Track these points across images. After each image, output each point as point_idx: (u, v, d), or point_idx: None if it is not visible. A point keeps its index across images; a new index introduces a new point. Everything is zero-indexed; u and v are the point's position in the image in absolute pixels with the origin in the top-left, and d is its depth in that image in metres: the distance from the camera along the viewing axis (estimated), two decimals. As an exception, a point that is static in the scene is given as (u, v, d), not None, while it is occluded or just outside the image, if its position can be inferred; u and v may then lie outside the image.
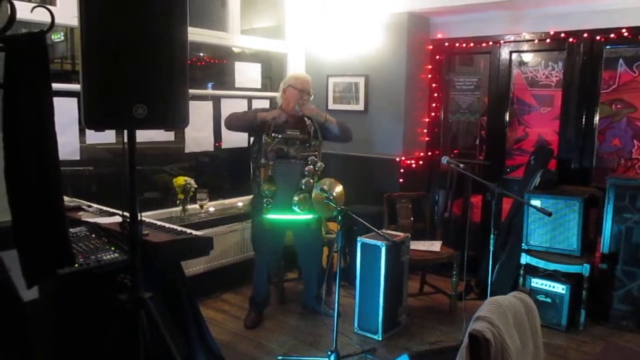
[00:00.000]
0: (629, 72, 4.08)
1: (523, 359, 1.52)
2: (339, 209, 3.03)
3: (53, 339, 2.14)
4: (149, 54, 1.99)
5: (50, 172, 1.75)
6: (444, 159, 3.41)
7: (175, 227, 2.76)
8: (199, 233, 2.70)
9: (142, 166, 4.21)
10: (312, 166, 3.55)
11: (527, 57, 4.52)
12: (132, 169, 2.22)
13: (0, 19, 1.75)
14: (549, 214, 3.05)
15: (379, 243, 3.45)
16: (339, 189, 3.55)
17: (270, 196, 3.52)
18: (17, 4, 1.69)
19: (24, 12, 2.06)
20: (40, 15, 1.92)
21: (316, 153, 3.61)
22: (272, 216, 3.56)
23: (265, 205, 3.52)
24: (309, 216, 3.60)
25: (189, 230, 2.71)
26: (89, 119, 1.92)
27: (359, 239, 3.57)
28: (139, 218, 2.23)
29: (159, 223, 2.85)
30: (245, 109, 4.67)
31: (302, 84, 3.65)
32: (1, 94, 1.62)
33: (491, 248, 2.98)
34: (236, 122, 3.67)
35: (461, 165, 3.35)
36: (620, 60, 4.09)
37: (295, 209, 3.53)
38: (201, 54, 4.91)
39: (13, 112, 1.64)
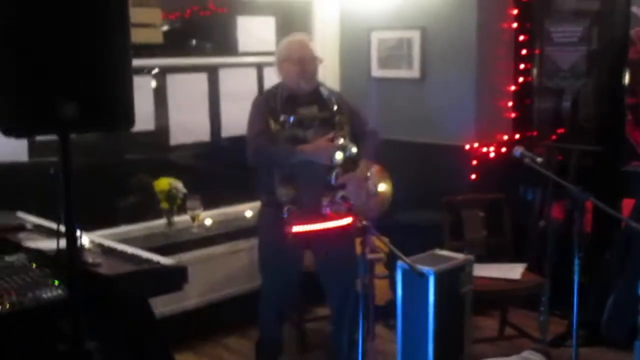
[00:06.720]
0: None
1: None
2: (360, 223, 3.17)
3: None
4: (79, 38, 2.21)
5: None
6: (517, 151, 3.50)
7: (139, 253, 3.04)
8: (168, 262, 2.95)
9: (116, 164, 4.56)
10: (341, 152, 3.59)
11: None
12: (67, 180, 2.48)
13: None
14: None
15: (425, 269, 3.57)
16: (382, 186, 3.68)
17: (291, 202, 3.69)
18: None
19: None
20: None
21: (343, 132, 3.70)
22: (296, 229, 3.67)
23: (285, 215, 3.68)
24: (345, 221, 3.61)
25: (155, 258, 2.96)
26: (6, 125, 2.18)
27: (398, 264, 3.73)
28: (79, 244, 2.50)
29: (119, 248, 3.13)
30: (255, 81, 4.92)
31: (299, 51, 3.71)
32: None
33: (575, 277, 3.06)
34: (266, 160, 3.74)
35: (538, 159, 3.43)
36: None
37: (326, 212, 3.64)
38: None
39: None
